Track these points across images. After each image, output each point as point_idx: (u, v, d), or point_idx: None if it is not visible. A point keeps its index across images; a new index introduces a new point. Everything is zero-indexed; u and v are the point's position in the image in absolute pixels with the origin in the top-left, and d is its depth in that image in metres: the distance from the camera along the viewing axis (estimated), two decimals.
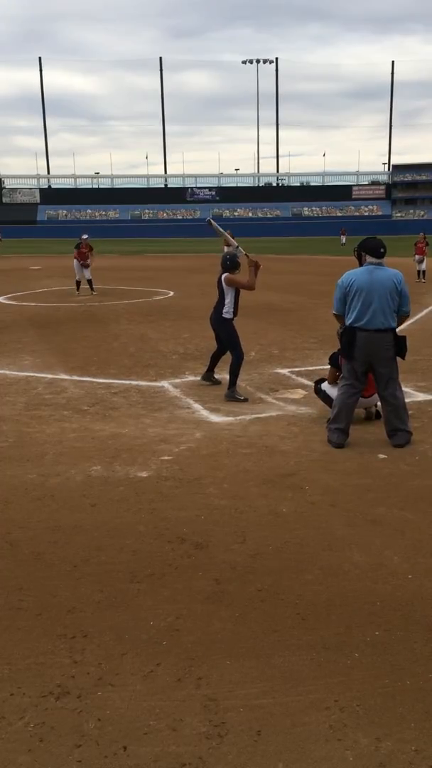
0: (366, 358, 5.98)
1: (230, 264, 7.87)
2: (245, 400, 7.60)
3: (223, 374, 8.14)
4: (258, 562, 3.97)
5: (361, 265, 6.15)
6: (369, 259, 5.99)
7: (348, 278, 5.98)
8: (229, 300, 7.83)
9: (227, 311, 7.87)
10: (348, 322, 5.98)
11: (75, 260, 19.34)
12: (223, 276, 7.85)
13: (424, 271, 22.74)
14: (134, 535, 4.32)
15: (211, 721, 2.69)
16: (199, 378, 8.50)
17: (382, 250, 5.99)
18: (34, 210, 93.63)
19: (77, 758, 2.51)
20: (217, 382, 8.23)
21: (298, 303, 16.94)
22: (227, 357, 8.00)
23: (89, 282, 19.24)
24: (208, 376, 8.33)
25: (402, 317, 6.05)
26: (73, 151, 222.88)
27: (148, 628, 3.33)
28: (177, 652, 3.13)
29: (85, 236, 19.50)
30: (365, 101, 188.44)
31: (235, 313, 7.92)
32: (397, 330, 6.03)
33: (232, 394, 7.66)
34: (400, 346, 6.03)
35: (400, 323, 6.05)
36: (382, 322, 5.88)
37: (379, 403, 6.41)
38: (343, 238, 54.11)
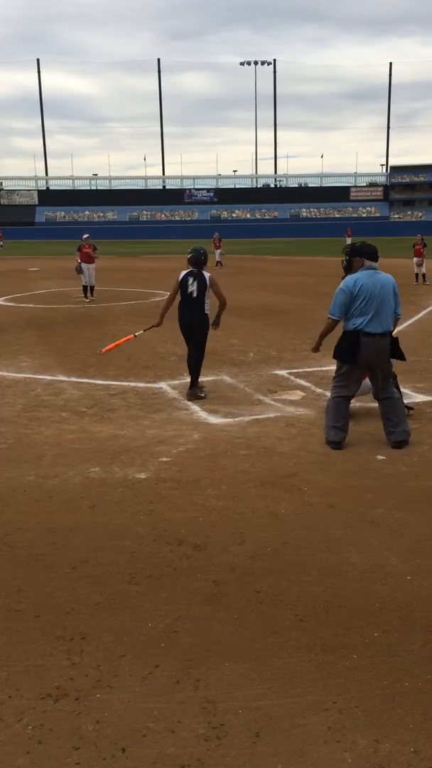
0: (368, 362, 6.00)
1: (204, 259, 7.96)
2: (206, 396, 7.75)
3: (178, 375, 8.00)
4: (256, 563, 3.97)
5: (349, 271, 6.17)
6: (368, 263, 5.98)
7: (355, 283, 5.88)
8: (207, 298, 7.86)
9: (207, 308, 7.88)
10: (352, 327, 5.94)
11: (80, 263, 18.30)
12: (210, 276, 7.87)
13: (424, 275, 22.74)
14: (133, 537, 4.31)
15: (210, 723, 2.69)
16: None
17: (378, 254, 6.06)
18: (32, 211, 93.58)
19: (76, 760, 2.51)
20: (204, 396, 7.86)
21: (296, 304, 16.95)
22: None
23: (92, 288, 18.50)
24: (195, 393, 7.87)
25: (396, 320, 6.12)
26: (71, 153, 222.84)
27: (147, 629, 3.33)
28: (175, 654, 3.13)
29: (86, 236, 19.08)
30: (363, 103, 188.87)
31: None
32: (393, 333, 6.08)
33: (195, 393, 7.76)
34: (395, 348, 6.07)
35: (394, 326, 6.11)
36: (385, 326, 5.93)
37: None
38: (349, 240, 54.07)
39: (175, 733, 2.64)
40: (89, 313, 15.85)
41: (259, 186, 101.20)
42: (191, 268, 7.90)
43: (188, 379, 8.54)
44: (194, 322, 7.91)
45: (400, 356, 6.15)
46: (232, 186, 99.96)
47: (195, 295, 7.83)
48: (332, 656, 3.10)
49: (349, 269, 6.19)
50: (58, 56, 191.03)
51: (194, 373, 7.89)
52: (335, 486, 5.16)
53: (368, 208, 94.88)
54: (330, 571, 3.88)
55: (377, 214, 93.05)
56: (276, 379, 8.79)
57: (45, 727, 2.68)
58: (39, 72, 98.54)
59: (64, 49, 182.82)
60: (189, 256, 7.96)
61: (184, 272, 7.94)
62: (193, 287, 7.83)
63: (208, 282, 7.86)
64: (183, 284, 7.88)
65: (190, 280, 7.85)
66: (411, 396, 7.79)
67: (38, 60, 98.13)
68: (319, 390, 8.09)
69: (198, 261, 7.89)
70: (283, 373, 9.17)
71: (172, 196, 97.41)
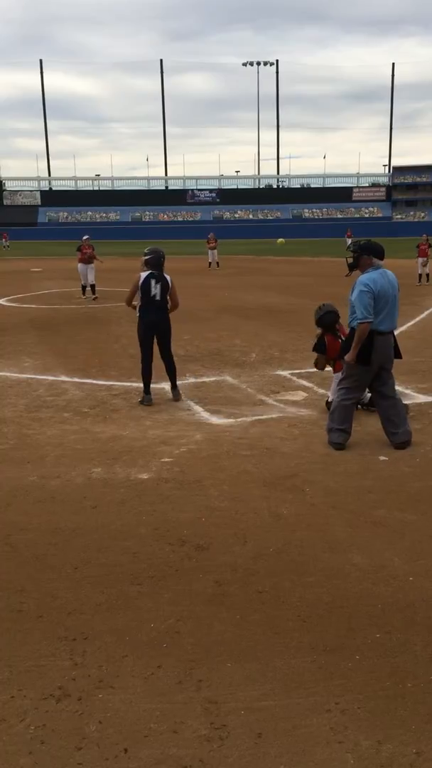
0: (380, 362, 5.95)
1: (163, 261, 7.85)
2: (180, 399, 7.79)
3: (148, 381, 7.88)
4: (259, 564, 3.97)
5: (354, 267, 6.17)
6: (375, 261, 5.98)
7: (374, 283, 5.82)
8: (168, 301, 7.81)
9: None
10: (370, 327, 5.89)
11: (80, 264, 18.89)
12: (171, 279, 7.78)
13: (429, 275, 22.77)
14: (135, 537, 4.32)
15: (212, 723, 2.69)
16: (199, 380, 8.48)
17: (384, 252, 6.08)
18: (34, 212, 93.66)
19: (78, 761, 2.51)
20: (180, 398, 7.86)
21: (298, 305, 16.92)
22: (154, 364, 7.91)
23: (92, 287, 18.91)
24: (178, 393, 7.89)
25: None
26: (73, 153, 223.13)
27: (149, 630, 3.33)
28: (178, 655, 3.13)
29: (85, 237, 19.41)
30: (365, 103, 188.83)
31: None
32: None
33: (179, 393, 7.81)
34: (395, 346, 6.10)
35: None
36: (393, 323, 5.99)
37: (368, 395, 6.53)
38: (349, 240, 53.97)
39: (177, 733, 2.64)
40: (91, 314, 15.87)
41: (261, 186, 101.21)
42: (150, 270, 7.71)
43: (190, 380, 8.56)
44: (162, 323, 7.83)
45: (398, 354, 6.19)
46: (235, 186, 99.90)
47: (158, 297, 7.70)
48: (334, 657, 3.10)
49: (354, 267, 6.17)
50: (60, 57, 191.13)
51: (174, 375, 7.90)
52: (337, 487, 5.16)
53: (371, 209, 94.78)
54: (332, 571, 3.88)
55: (380, 215, 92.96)
56: (278, 380, 8.79)
57: (47, 728, 2.68)
58: (42, 73, 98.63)
59: (66, 49, 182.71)
60: (148, 258, 7.77)
61: (144, 274, 7.71)
62: (156, 290, 7.67)
63: (170, 284, 7.74)
64: (145, 286, 7.66)
65: (153, 282, 7.66)
66: (414, 397, 7.78)
67: (41, 61, 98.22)
68: (321, 391, 8.08)
69: (159, 263, 7.76)
70: (286, 373, 9.17)
71: (174, 196, 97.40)
